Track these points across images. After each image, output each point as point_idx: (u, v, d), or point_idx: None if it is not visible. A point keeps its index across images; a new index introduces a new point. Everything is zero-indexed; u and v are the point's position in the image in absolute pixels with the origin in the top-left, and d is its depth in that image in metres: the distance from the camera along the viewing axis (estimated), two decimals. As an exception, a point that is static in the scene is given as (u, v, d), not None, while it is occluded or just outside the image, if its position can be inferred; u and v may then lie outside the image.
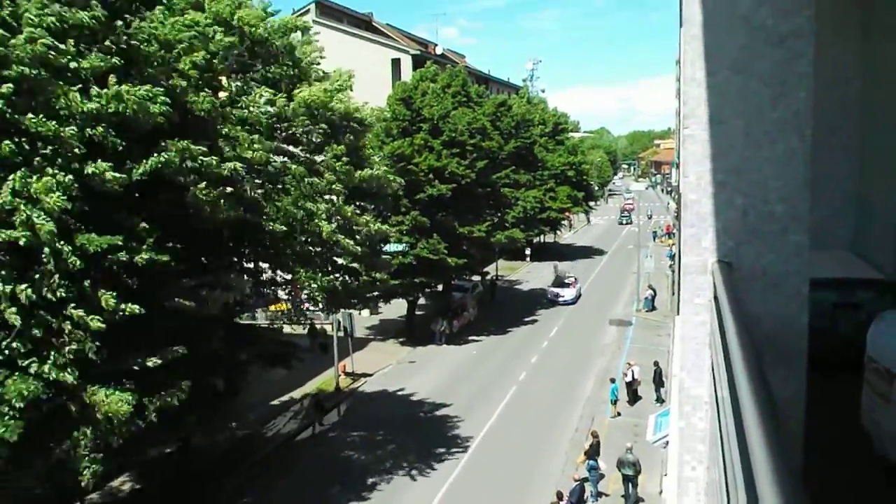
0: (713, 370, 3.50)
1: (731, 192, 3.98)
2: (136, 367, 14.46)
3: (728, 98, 3.98)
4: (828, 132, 8.80)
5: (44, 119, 12.78)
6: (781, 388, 3.82)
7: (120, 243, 13.57)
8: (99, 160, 13.35)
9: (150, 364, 14.50)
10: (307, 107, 18.71)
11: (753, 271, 3.98)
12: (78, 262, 12.90)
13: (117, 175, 13.40)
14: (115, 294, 13.40)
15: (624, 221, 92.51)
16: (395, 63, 52.93)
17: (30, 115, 12.74)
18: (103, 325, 13.15)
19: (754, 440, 1.82)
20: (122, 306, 13.53)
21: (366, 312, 39.05)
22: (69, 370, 13.21)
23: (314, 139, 19.73)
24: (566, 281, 49.89)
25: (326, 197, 19.36)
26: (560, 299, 47.81)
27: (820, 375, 4.98)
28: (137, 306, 13.70)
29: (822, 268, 7.69)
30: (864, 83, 9.07)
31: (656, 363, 28.92)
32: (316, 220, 18.40)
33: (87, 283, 13.43)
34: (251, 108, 17.64)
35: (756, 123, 3.93)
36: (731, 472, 2.31)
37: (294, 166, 18.27)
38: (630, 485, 21.56)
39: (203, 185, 15.15)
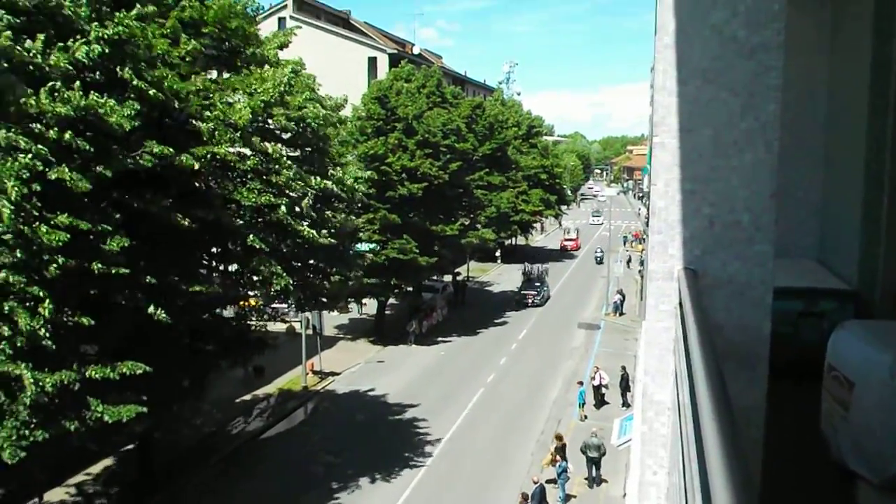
0: (676, 376, 3.54)
1: (698, 201, 4.02)
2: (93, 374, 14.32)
3: (698, 107, 4.02)
4: (794, 144, 8.94)
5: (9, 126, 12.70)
6: (744, 394, 3.87)
7: (84, 228, 13.47)
8: (63, 165, 13.21)
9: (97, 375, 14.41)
10: (284, 108, 18.52)
11: (718, 279, 4.03)
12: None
13: (82, 180, 13.29)
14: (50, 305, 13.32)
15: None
16: (372, 62, 52.83)
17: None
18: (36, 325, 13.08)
19: (711, 445, 1.83)
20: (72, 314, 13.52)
21: (335, 312, 38.92)
22: (19, 361, 13.14)
23: (284, 136, 19.58)
24: (535, 283, 50.01)
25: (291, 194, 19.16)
26: (528, 301, 48.00)
27: (784, 383, 5.06)
28: (86, 318, 13.80)
29: (788, 277, 7.81)
30: (830, 97, 9.24)
31: (623, 368, 29.10)
32: (279, 211, 18.26)
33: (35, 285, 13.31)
34: (223, 105, 17.50)
35: (725, 133, 3.98)
36: (689, 476, 2.33)
37: (255, 160, 18.10)
38: (594, 467, 22.26)
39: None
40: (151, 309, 15.30)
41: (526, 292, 48.61)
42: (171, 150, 15.02)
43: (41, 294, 13.23)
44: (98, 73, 14.70)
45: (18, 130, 12.83)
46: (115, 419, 14.84)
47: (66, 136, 13.21)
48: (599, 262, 59.78)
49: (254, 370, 22.67)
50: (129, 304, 15.35)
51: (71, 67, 13.74)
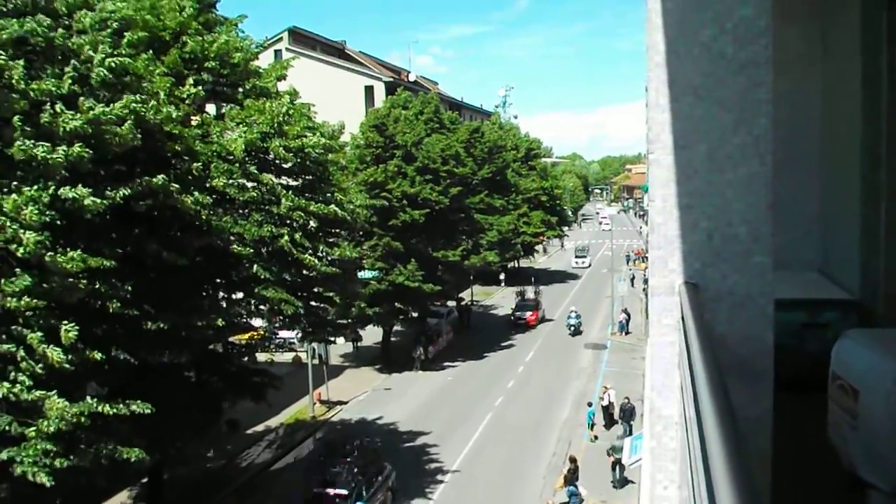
0: (682, 390, 3.56)
1: (696, 215, 4.06)
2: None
3: (691, 123, 4.08)
4: (792, 157, 9.01)
5: (32, 143, 12.79)
6: (749, 406, 3.88)
7: (105, 265, 13.57)
8: (79, 185, 13.32)
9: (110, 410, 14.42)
10: (282, 139, 18.70)
11: (719, 292, 4.05)
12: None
13: (96, 199, 13.37)
14: (76, 328, 13.33)
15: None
16: (369, 90, 53.25)
17: (18, 142, 12.74)
18: (63, 358, 13.08)
19: (716, 458, 1.85)
20: (86, 351, 13.57)
21: (341, 339, 38.88)
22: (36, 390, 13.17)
23: (284, 166, 19.75)
24: (528, 304, 50.70)
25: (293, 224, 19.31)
26: (521, 321, 48.71)
27: (791, 394, 5.06)
28: (99, 353, 13.81)
29: (792, 288, 7.84)
30: (824, 109, 9.31)
31: (627, 399, 28.14)
32: (281, 241, 18.39)
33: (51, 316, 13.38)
34: (221, 138, 17.69)
35: (719, 148, 4.03)
36: (697, 490, 2.35)
37: (255, 193, 18.25)
38: (619, 468, 22.55)
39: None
40: (154, 351, 15.41)
41: (519, 314, 49.31)
42: (175, 185, 15.14)
43: (63, 322, 13.28)
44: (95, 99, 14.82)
45: (35, 144, 12.96)
46: (125, 457, 14.81)
47: (76, 148, 13.27)
48: (574, 332, 46.48)
49: (227, 424, 22.04)
50: (132, 345, 15.40)
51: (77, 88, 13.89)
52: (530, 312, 50.13)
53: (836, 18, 8.86)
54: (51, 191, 13.05)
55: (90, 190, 13.37)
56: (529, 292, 52.64)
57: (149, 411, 14.87)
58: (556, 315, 51.63)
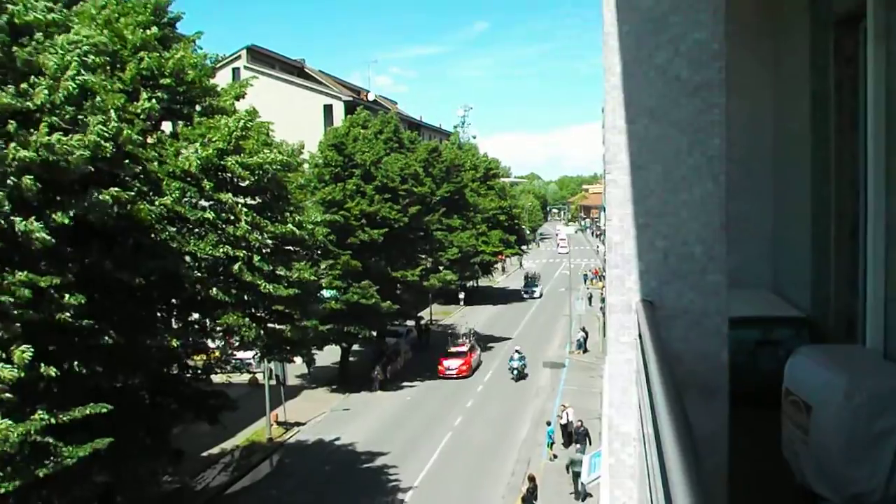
0: (639, 407, 3.59)
1: (652, 234, 4.13)
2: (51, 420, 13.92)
3: (647, 144, 4.15)
4: (745, 178, 9.21)
5: None
6: (705, 422, 3.93)
7: (55, 283, 13.25)
8: (31, 219, 13.02)
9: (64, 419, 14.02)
10: (241, 159, 18.53)
11: (675, 310, 4.12)
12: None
13: (47, 237, 13.11)
14: (31, 349, 12.98)
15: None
16: (328, 109, 53.15)
17: None
18: (15, 375, 12.74)
19: (674, 474, 1.87)
20: (41, 368, 13.19)
21: (298, 359, 38.39)
22: None
23: (241, 184, 19.55)
24: (454, 349, 42.35)
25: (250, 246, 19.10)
26: (448, 371, 40.56)
27: (745, 410, 5.15)
28: (54, 369, 13.48)
29: (745, 306, 7.98)
30: (776, 131, 9.54)
31: (580, 422, 27.40)
32: (236, 265, 18.18)
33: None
34: (175, 157, 17.49)
35: (674, 169, 4.11)
36: (655, 505, 2.37)
37: (211, 214, 18.02)
38: (580, 481, 22.53)
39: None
40: (108, 371, 15.06)
41: (448, 363, 40.92)
42: (127, 194, 14.87)
43: (14, 343, 12.94)
44: (56, 117, 14.52)
45: None
46: (76, 458, 14.39)
47: (27, 180, 12.98)
48: (519, 376, 39.98)
49: (169, 455, 21.29)
50: (85, 363, 15.04)
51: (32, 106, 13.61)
52: (461, 361, 41.02)
53: (787, 42, 9.12)
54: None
55: (41, 225, 13.14)
56: (462, 336, 44.69)
57: (101, 410, 14.53)
58: (502, 352, 45.72)
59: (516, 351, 41.25)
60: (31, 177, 13.08)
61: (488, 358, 45.12)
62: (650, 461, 2.67)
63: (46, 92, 13.53)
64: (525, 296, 68.98)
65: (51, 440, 13.94)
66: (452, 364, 40.77)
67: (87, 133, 13.73)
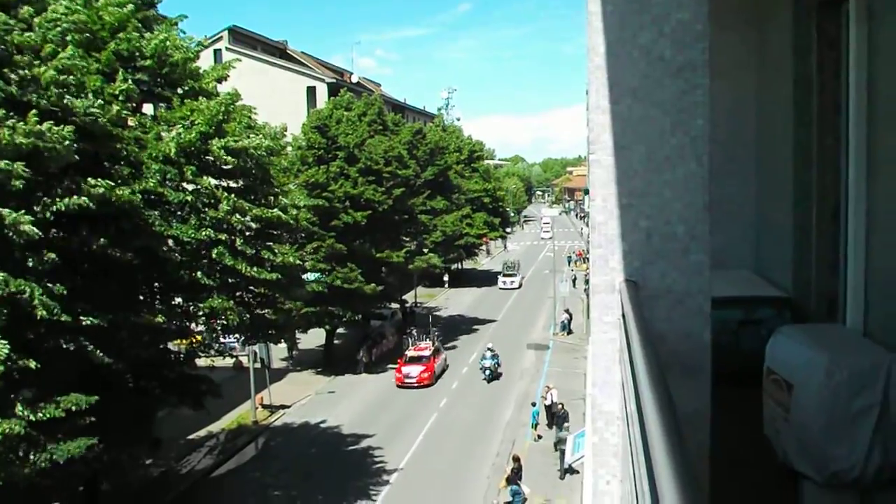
0: (623, 386, 3.62)
1: (635, 215, 4.14)
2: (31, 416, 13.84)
3: (631, 125, 4.15)
4: (728, 159, 9.25)
5: None
6: (688, 401, 3.97)
7: (28, 289, 13.17)
8: (22, 211, 12.88)
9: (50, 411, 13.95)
10: (224, 142, 18.35)
11: (658, 290, 4.14)
12: None
13: (34, 231, 12.98)
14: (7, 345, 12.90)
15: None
16: (311, 91, 52.81)
17: None
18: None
19: (658, 452, 1.88)
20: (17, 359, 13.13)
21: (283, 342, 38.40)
22: None
23: (224, 167, 19.38)
24: (414, 353, 37.16)
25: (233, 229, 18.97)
26: (407, 380, 35.35)
27: (728, 389, 5.20)
28: (34, 362, 13.41)
29: (728, 287, 8.05)
30: (759, 112, 9.58)
31: (561, 405, 26.98)
32: (216, 249, 18.07)
33: None
34: (155, 141, 17.32)
35: (657, 149, 4.12)
36: (639, 483, 2.39)
37: (191, 196, 17.86)
38: (565, 460, 22.75)
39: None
40: (93, 351, 14.94)
41: (407, 370, 35.50)
42: (108, 183, 14.75)
43: None
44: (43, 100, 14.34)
45: None
46: (65, 457, 14.36)
47: (18, 168, 12.84)
48: (491, 377, 35.94)
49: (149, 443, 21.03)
50: (69, 347, 14.94)
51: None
52: (422, 368, 35.42)
53: (770, 25, 9.13)
54: None
55: (28, 217, 13.02)
56: (424, 337, 39.68)
57: (84, 404, 14.48)
58: (475, 350, 41.67)
59: (488, 349, 37.28)
60: (23, 163, 12.94)
61: (473, 339, 45.24)
62: (633, 439, 2.69)
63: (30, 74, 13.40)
64: (502, 286, 62.86)
65: (35, 433, 13.90)
66: (412, 371, 35.36)
67: (79, 116, 13.61)
